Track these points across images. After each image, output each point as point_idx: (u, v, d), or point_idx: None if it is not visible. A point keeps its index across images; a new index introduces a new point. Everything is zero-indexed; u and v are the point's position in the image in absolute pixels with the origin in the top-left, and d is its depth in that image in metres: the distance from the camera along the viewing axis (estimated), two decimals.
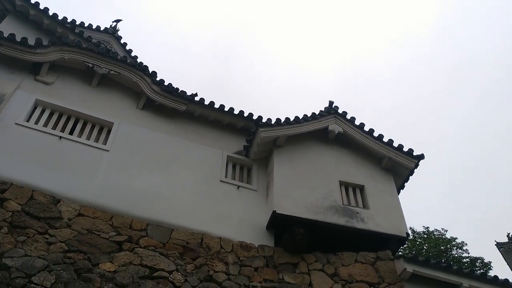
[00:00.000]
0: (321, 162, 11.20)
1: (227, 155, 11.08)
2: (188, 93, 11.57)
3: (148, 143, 10.44)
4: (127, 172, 9.58)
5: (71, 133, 9.90)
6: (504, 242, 44.05)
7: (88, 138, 10.00)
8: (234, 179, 10.78)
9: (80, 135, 9.97)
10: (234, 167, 11.13)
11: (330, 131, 11.59)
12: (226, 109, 11.73)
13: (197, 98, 11.57)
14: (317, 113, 11.72)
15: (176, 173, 10.09)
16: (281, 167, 10.68)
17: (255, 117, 11.65)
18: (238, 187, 10.50)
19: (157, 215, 9.12)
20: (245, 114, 11.81)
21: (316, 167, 11.00)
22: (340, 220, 9.95)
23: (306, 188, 10.38)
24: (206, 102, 11.62)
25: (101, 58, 11.08)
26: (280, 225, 9.70)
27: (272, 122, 10.98)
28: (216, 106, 11.67)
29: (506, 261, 45.14)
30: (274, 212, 9.62)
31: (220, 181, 10.43)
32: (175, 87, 11.44)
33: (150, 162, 10.03)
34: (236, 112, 11.75)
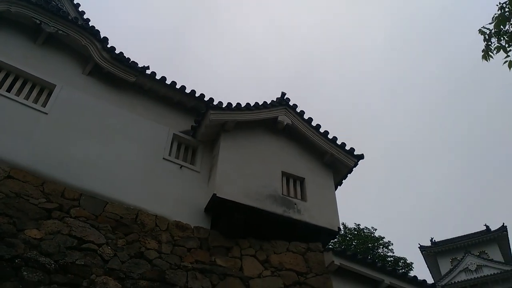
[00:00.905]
0: (267, 152, 11.31)
1: (173, 134, 10.89)
2: (140, 66, 11.21)
3: (91, 111, 10.03)
4: (65, 139, 9.17)
5: (8, 90, 9.30)
6: (426, 246, 47.22)
7: (27, 98, 9.44)
8: (177, 158, 10.63)
9: (18, 94, 9.39)
10: (179, 146, 10.97)
11: (279, 122, 11.70)
12: (178, 86, 11.51)
13: (148, 72, 11.25)
14: (268, 103, 11.80)
15: (117, 146, 9.79)
16: (227, 152, 10.67)
17: (206, 99, 11.52)
18: (181, 167, 10.37)
19: (92, 186, 8.83)
20: (197, 94, 11.65)
21: (261, 156, 11.10)
22: (278, 210, 10.14)
23: (249, 175, 10.45)
24: (158, 77, 11.33)
25: (50, 16, 10.45)
26: (219, 208, 9.73)
27: (223, 106, 10.91)
28: (168, 82, 11.41)
29: (426, 264, 48.37)
30: (214, 195, 9.61)
31: (163, 158, 10.25)
32: (126, 57, 11.04)
33: (90, 131, 9.66)
34: (187, 90, 11.56)
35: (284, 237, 10.08)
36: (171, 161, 10.34)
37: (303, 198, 10.94)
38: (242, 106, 11.16)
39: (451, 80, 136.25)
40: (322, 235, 10.56)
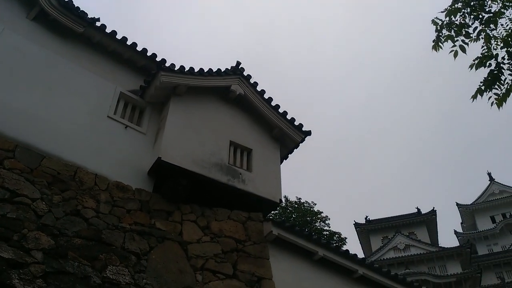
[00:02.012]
0: (217, 120, 11.21)
1: (121, 92, 10.49)
2: (90, 17, 10.59)
3: (33, 59, 9.41)
4: (2, 86, 8.58)
5: None
6: (361, 223, 49.68)
7: None
8: (123, 118, 10.27)
9: None
10: (125, 105, 10.59)
11: (231, 91, 11.59)
12: (129, 42, 11.02)
13: (98, 24, 10.65)
14: (222, 71, 11.62)
15: (59, 98, 9.30)
16: (175, 116, 10.46)
17: (158, 59, 11.14)
18: (126, 127, 10.07)
19: (29, 138, 8.38)
20: (148, 53, 11.22)
21: (210, 123, 10.99)
22: (223, 178, 10.17)
23: (196, 142, 10.35)
24: (108, 30, 10.77)
25: None
26: (163, 172, 9.60)
27: (175, 69, 10.61)
28: (118, 37, 10.88)
29: (359, 240, 50.98)
30: (159, 159, 9.46)
31: (108, 116, 9.88)
32: (76, 6, 10.38)
33: (31, 80, 9.08)
34: (139, 48, 11.11)
35: (226, 205, 10.18)
36: (116, 120, 9.99)
37: (249, 168, 11.03)
38: (195, 71, 10.92)
39: (405, 64, 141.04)
40: (263, 206, 10.77)
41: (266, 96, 12.12)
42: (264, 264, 9.35)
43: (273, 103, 12.13)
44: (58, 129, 8.88)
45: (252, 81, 12.05)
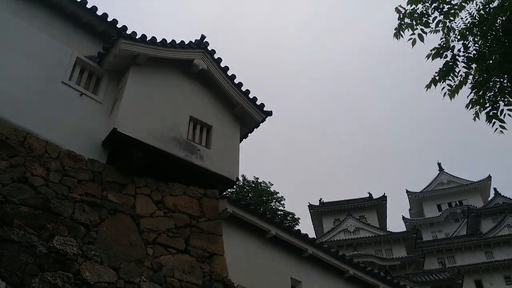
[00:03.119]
0: (177, 93, 10.99)
1: (77, 57, 10.04)
2: None
3: None
4: None
5: None
6: (315, 205, 50.89)
7: None
8: (78, 85, 9.85)
9: None
10: (82, 72, 10.16)
11: (194, 65, 11.36)
12: (89, 5, 10.50)
13: None
14: (186, 43, 11.35)
15: (10, 59, 8.80)
16: (134, 86, 10.16)
17: (119, 25, 10.71)
18: (81, 94, 9.68)
19: None
20: (109, 19, 10.75)
21: (170, 97, 10.77)
22: (180, 153, 10.05)
23: (155, 114, 10.12)
24: None
25: None
26: (117, 144, 9.36)
27: (137, 37, 10.25)
28: None
29: (312, 221, 52.25)
30: (114, 129, 9.19)
31: (62, 82, 9.46)
32: None
33: None
34: (99, 13, 10.63)
35: (182, 181, 10.09)
36: (71, 87, 9.58)
37: (208, 145, 10.95)
38: (158, 41, 10.61)
39: (370, 48, 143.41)
40: (220, 183, 10.77)
41: (229, 73, 11.99)
42: (216, 240, 9.40)
43: (236, 81, 12.03)
44: (7, 92, 8.42)
45: (216, 56, 11.87)
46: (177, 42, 11.11)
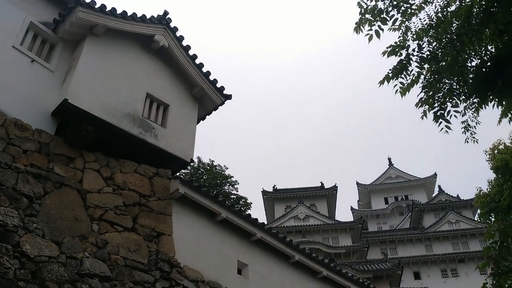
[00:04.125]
0: (135, 69, 10.69)
1: (31, 22, 9.52)
2: None
3: None
4: None
5: None
6: (268, 191, 51.51)
7: None
8: (30, 51, 9.38)
9: None
10: (35, 38, 9.66)
11: (155, 41, 11.07)
12: None
13: None
14: (148, 17, 11.02)
15: None
16: (90, 57, 9.78)
17: None
18: (32, 61, 9.22)
19: None
20: None
21: (127, 71, 10.46)
22: (134, 130, 9.84)
23: (110, 88, 9.82)
24: None
25: None
26: (68, 115, 9.04)
27: (96, 6, 9.83)
28: None
29: (264, 207, 52.95)
30: (65, 100, 8.85)
31: (13, 47, 8.96)
32: None
33: None
34: None
35: (134, 158, 9.90)
36: (22, 52, 9.10)
37: (163, 124, 10.78)
38: (118, 12, 10.23)
39: (334, 44, 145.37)
40: (173, 163, 10.66)
41: (191, 52, 11.79)
42: (165, 220, 9.33)
43: (197, 61, 11.85)
44: None
45: (178, 34, 11.62)
46: (138, 15, 10.77)
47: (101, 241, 8.01)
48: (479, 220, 41.18)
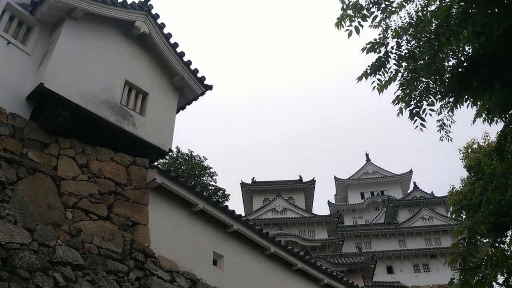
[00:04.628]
0: (114, 55, 10.52)
1: (8, 2, 9.25)
2: None
3: None
4: None
5: None
6: (247, 183, 51.62)
7: None
8: (6, 32, 9.11)
9: None
10: (11, 19, 9.38)
11: (135, 27, 10.90)
12: None
13: None
14: (129, 3, 10.82)
15: None
16: (68, 41, 9.57)
17: None
18: (8, 43, 8.98)
19: None
20: None
21: (106, 57, 10.28)
22: (111, 117, 9.70)
23: (88, 74, 9.64)
24: None
25: None
26: (44, 100, 8.84)
27: None
28: None
29: (243, 199, 53.06)
30: (41, 84, 8.66)
31: None
32: None
33: None
34: None
35: (111, 146, 9.77)
36: None
37: (142, 112, 10.66)
38: None
39: (314, 40, 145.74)
40: (151, 153, 10.56)
41: (172, 40, 11.65)
42: (141, 210, 9.26)
43: (178, 50, 11.72)
44: None
45: (159, 21, 11.46)
46: (119, 0, 10.57)
47: (74, 229, 7.90)
48: (451, 217, 42.44)
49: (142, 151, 10.27)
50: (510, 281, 7.24)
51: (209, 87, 12.33)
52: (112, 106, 9.80)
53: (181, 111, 12.87)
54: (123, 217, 8.85)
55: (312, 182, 51.11)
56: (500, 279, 7.99)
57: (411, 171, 62.43)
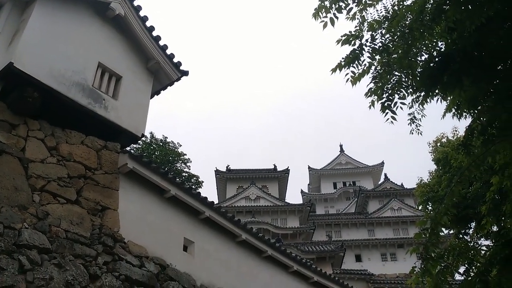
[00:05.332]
0: (88, 36, 10.23)
1: None
2: None
3: None
4: None
5: None
6: (221, 171, 51.66)
7: None
8: None
9: None
10: None
11: (110, 8, 10.62)
12: None
13: None
14: None
15: None
16: (40, 20, 9.25)
17: None
18: None
19: None
20: None
21: (80, 38, 10.00)
22: (83, 100, 9.48)
23: (60, 54, 9.37)
24: None
25: None
26: (13, 80, 8.55)
27: None
28: None
29: (217, 186, 53.11)
30: (10, 64, 8.37)
31: None
32: None
33: None
34: None
35: (82, 129, 9.56)
36: None
37: (115, 96, 10.46)
38: None
39: (295, 34, 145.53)
40: (123, 137, 10.40)
41: (148, 24, 11.42)
42: (111, 194, 9.14)
43: (154, 33, 11.51)
44: None
45: (135, 3, 11.20)
46: None
47: (41, 213, 7.73)
48: (418, 208, 43.62)
49: (114, 135, 10.11)
50: (471, 270, 7.52)
51: (185, 73, 12.20)
52: (84, 89, 9.58)
53: (155, 96, 12.71)
54: (93, 202, 8.72)
55: (286, 171, 51.54)
56: (462, 269, 8.29)
57: (382, 163, 63.73)
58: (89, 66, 9.99)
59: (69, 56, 9.56)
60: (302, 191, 62.06)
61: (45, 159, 8.50)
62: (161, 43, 11.61)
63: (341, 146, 68.24)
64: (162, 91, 12.74)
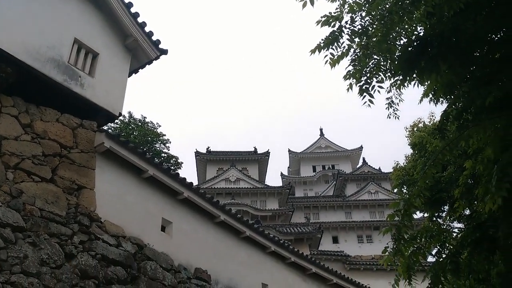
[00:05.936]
0: (63, 11, 9.93)
1: None
2: None
3: None
4: None
5: None
6: (201, 153, 51.51)
7: None
8: None
9: None
10: None
11: None
12: None
13: None
14: None
15: None
16: None
17: None
18: None
19: None
20: None
21: (55, 13, 9.70)
22: (58, 77, 9.25)
23: (34, 29, 9.08)
24: None
25: None
26: None
27: None
28: None
29: (197, 168, 52.99)
30: None
31: None
32: None
33: None
34: None
35: (57, 107, 9.34)
36: None
37: (91, 73, 10.23)
38: None
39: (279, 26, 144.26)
40: (100, 116, 10.21)
41: (126, 0, 11.13)
42: (87, 174, 9.02)
43: (133, 10, 11.23)
44: None
45: None
46: None
47: (15, 191, 7.59)
48: (393, 191, 44.53)
49: (90, 113, 9.92)
50: (443, 252, 7.75)
51: (164, 51, 11.98)
52: (59, 65, 9.33)
53: (133, 74, 12.48)
54: (68, 180, 8.59)
55: (267, 154, 51.72)
56: (434, 250, 8.53)
57: (361, 147, 64.52)
58: (65, 42, 9.72)
59: (43, 31, 9.28)
60: (282, 174, 62.49)
61: (19, 136, 8.30)
62: (140, 20, 11.35)
63: (321, 130, 68.72)
64: (140, 70, 12.52)
